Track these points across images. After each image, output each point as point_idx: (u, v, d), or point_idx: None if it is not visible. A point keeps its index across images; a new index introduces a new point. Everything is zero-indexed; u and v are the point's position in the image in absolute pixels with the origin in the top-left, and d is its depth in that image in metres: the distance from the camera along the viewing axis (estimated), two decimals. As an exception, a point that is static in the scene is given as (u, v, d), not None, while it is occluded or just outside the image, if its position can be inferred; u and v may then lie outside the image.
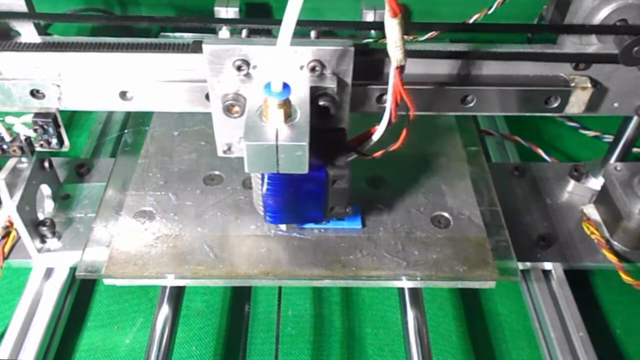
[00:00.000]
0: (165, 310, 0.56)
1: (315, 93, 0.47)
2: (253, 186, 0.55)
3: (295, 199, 0.51)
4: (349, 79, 0.48)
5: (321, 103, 0.47)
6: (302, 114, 0.44)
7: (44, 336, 0.57)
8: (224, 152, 0.52)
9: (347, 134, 0.51)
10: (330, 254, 0.56)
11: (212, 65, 0.46)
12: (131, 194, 0.61)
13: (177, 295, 0.58)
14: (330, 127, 0.49)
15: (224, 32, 0.55)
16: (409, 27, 0.89)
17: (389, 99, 0.46)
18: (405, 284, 0.57)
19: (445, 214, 0.60)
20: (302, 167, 0.44)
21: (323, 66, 0.47)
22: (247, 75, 0.47)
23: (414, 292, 0.58)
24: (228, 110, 0.48)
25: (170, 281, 0.56)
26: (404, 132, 0.49)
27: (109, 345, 0.61)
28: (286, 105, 0.42)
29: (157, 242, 0.57)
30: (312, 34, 0.50)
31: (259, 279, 0.55)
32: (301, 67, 0.47)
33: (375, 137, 0.50)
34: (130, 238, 0.57)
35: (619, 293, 0.66)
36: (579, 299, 0.61)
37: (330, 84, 0.47)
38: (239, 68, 0.46)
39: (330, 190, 0.51)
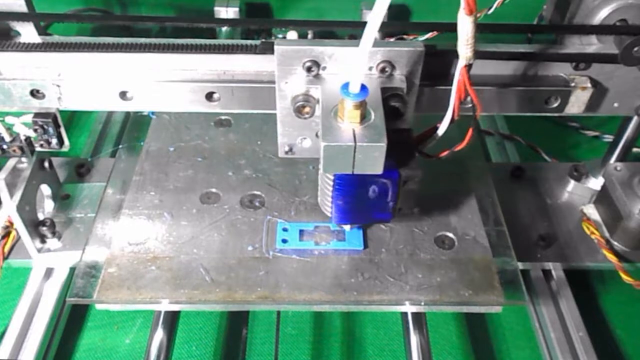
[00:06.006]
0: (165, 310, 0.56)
1: (385, 94, 0.46)
2: (320, 186, 0.53)
3: (365, 200, 0.50)
4: (417, 80, 0.48)
5: (392, 104, 0.47)
6: (377, 114, 0.44)
7: (44, 336, 0.57)
8: (286, 152, 0.51)
9: (412, 134, 0.50)
10: (331, 277, 0.54)
11: (282, 66, 0.46)
12: (125, 213, 0.59)
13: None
14: (395, 127, 0.48)
15: (292, 34, 0.54)
16: (409, 26, 0.89)
17: (452, 96, 0.47)
18: (409, 308, 0.56)
19: (450, 234, 0.58)
20: (377, 167, 0.44)
21: (393, 67, 0.46)
22: (317, 76, 0.47)
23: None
24: (299, 111, 0.47)
25: (165, 306, 0.55)
26: (470, 131, 0.49)
27: (109, 345, 0.61)
28: (362, 106, 0.42)
29: (152, 265, 0.55)
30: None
31: (257, 304, 0.54)
32: (370, 68, 0.47)
33: (440, 132, 0.50)
34: (124, 260, 0.55)
35: (619, 293, 0.66)
36: (579, 299, 0.61)
37: (400, 85, 0.47)
38: (309, 69, 0.46)
39: (400, 191, 0.50)
